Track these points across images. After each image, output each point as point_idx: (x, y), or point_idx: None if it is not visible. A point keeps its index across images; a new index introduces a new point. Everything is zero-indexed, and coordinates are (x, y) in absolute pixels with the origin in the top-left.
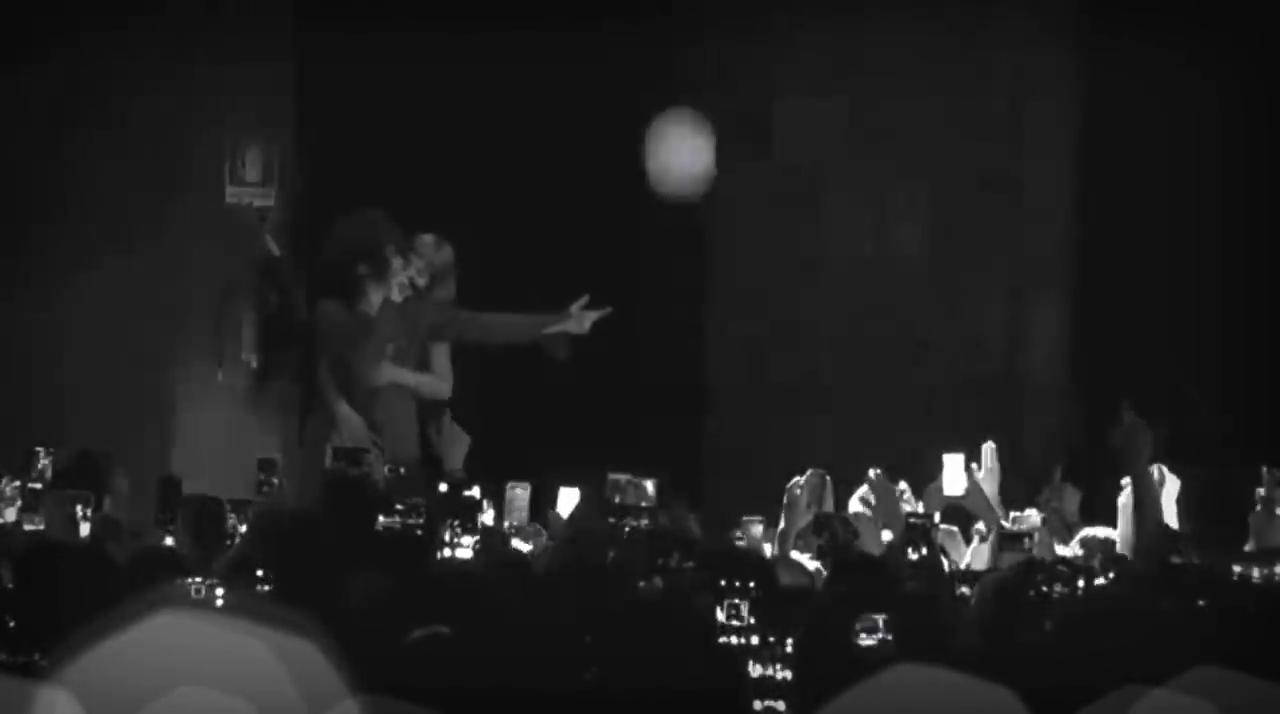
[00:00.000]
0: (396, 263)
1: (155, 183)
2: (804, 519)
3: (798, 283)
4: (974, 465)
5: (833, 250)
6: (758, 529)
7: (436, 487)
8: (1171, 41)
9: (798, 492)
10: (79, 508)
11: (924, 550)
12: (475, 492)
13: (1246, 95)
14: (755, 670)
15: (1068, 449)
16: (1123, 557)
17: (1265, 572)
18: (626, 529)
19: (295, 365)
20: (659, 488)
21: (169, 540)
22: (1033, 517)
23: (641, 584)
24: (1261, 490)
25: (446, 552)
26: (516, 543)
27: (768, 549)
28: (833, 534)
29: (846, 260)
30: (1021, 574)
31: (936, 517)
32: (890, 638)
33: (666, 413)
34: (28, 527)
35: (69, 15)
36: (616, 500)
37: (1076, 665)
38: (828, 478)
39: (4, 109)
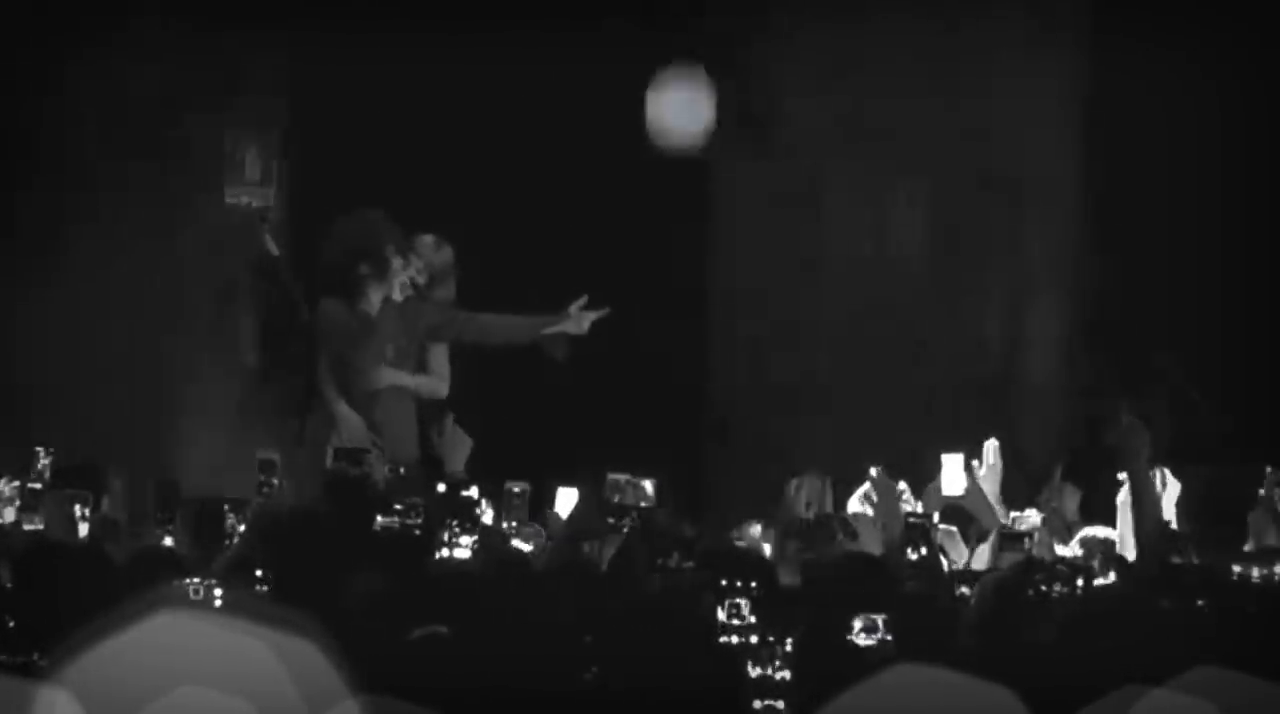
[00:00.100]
0: (397, 263)
1: (155, 183)
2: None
3: (798, 283)
4: (974, 463)
5: (833, 250)
6: (757, 529)
7: (435, 487)
8: (1171, 42)
9: (794, 492)
10: (78, 508)
11: (923, 550)
12: (473, 491)
13: (1247, 95)
14: (755, 670)
15: (1068, 449)
16: (1122, 557)
17: (1265, 572)
18: (626, 529)
19: (295, 365)
20: (658, 488)
21: (168, 540)
22: (1032, 517)
23: (642, 584)
24: (1262, 491)
25: (445, 551)
26: (516, 543)
27: (767, 549)
28: (831, 534)
29: (846, 260)
30: (1020, 574)
31: (935, 517)
32: (890, 638)
33: (666, 413)
34: (27, 526)
35: (69, 15)
36: (616, 500)
37: (1076, 665)
38: (826, 478)
39: (3, 108)
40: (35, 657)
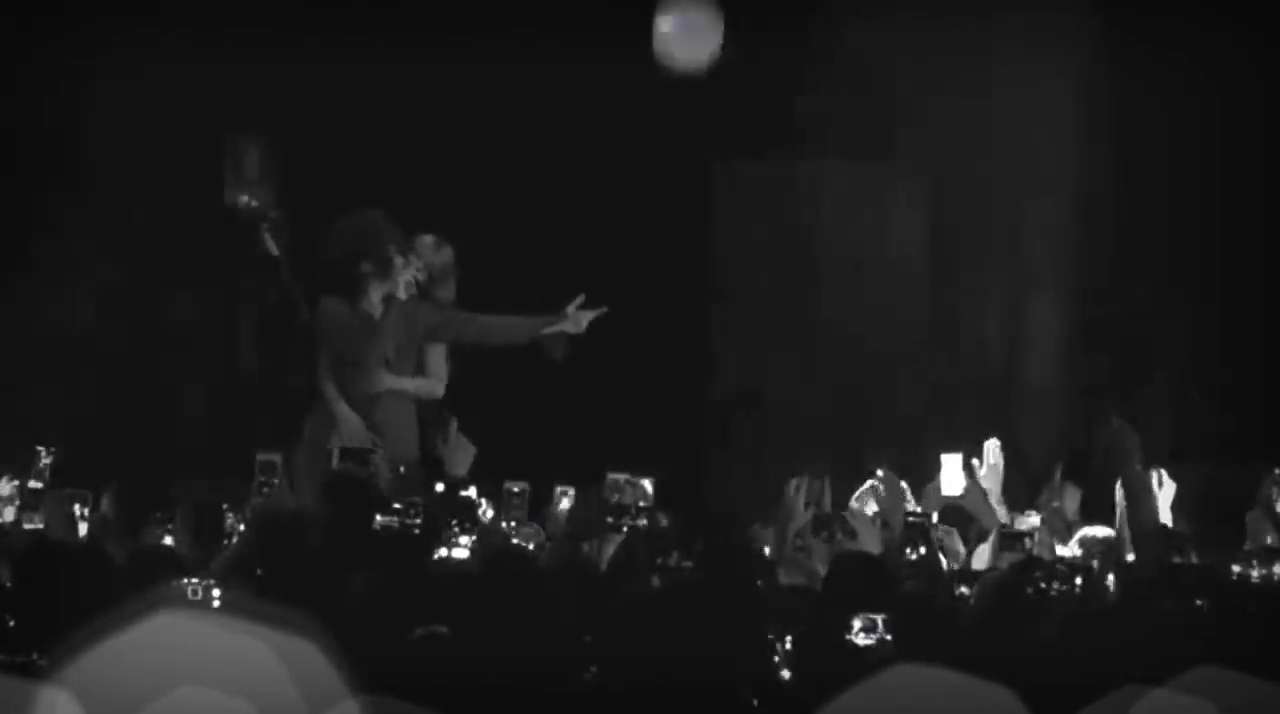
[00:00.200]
0: (400, 261)
1: (155, 183)
2: (802, 519)
3: (798, 283)
4: (975, 462)
5: (833, 250)
6: (756, 529)
7: (434, 487)
8: (1172, 42)
9: (794, 492)
10: (77, 507)
11: (922, 550)
12: (472, 491)
13: (1247, 96)
14: (753, 669)
15: (1068, 449)
16: (1122, 557)
17: (1264, 572)
18: (625, 529)
19: (295, 365)
20: (658, 488)
21: (168, 540)
22: (1032, 518)
23: (641, 584)
24: (1261, 491)
25: (443, 551)
26: (515, 543)
27: (766, 550)
28: (831, 534)
29: (846, 260)
30: (1019, 573)
31: (935, 517)
32: (889, 638)
33: (666, 413)
34: (27, 526)
35: (69, 16)
36: (615, 500)
37: (1076, 665)
38: (826, 478)
39: (3, 109)
40: (35, 656)
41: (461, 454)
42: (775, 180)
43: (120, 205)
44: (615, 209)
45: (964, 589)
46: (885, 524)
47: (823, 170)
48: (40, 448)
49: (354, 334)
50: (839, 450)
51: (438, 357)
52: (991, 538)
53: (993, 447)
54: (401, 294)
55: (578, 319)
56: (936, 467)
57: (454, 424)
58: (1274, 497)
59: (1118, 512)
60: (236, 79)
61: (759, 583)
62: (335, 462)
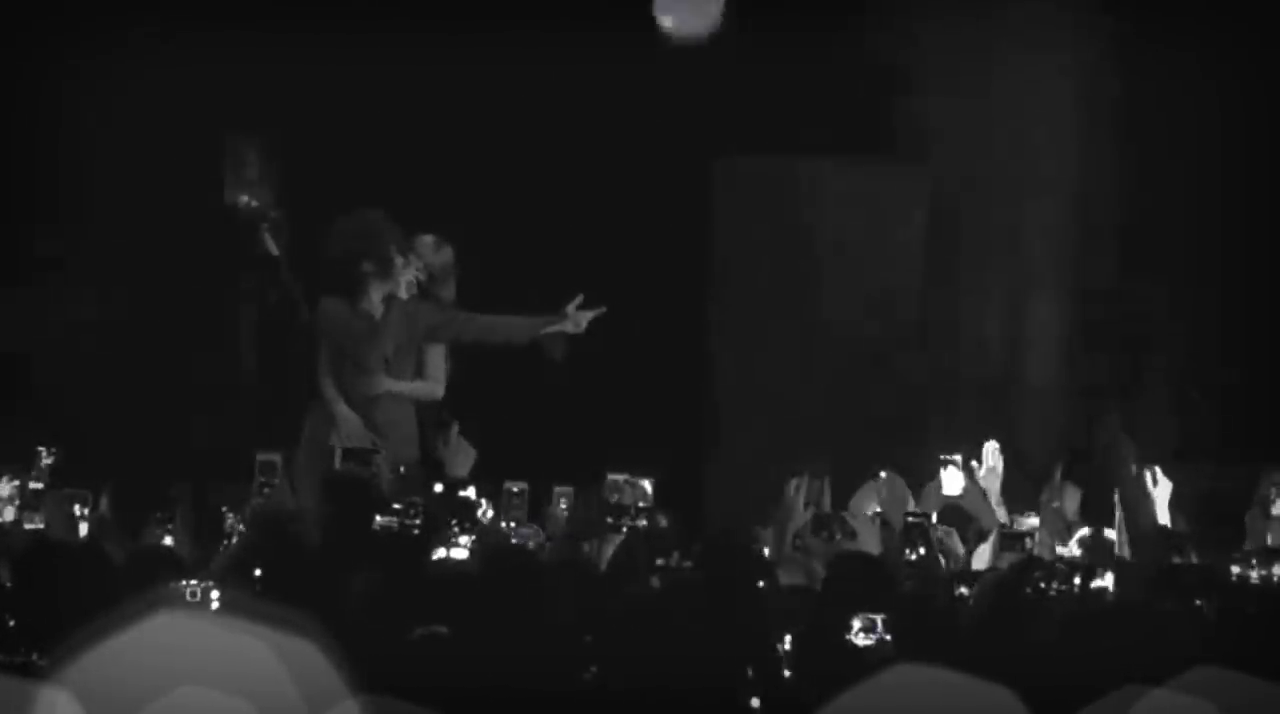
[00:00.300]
0: (399, 261)
1: (155, 183)
2: (801, 519)
3: (798, 283)
4: (974, 464)
5: (832, 250)
6: (755, 529)
7: (432, 487)
8: (1171, 41)
9: (794, 492)
10: (77, 507)
11: (922, 550)
12: (470, 492)
13: (1247, 95)
14: (753, 669)
15: (1068, 449)
16: (1122, 557)
17: (1264, 573)
18: (625, 529)
19: (295, 365)
20: (657, 488)
21: (167, 540)
22: (1032, 519)
23: (641, 584)
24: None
25: (442, 551)
26: (515, 543)
27: (765, 550)
28: (830, 534)
29: (846, 260)
30: (1019, 573)
31: (934, 517)
32: (888, 638)
33: (666, 413)
34: (28, 526)
35: (69, 15)
36: (615, 500)
37: (1076, 665)
38: (826, 478)
39: (3, 110)
40: (35, 657)
41: (462, 457)
42: (775, 180)
43: (120, 205)
44: (615, 208)
45: (963, 589)
46: (884, 524)
47: (823, 170)
48: (40, 448)
49: (355, 334)
50: (839, 450)
51: (436, 359)
52: (992, 538)
53: (991, 449)
54: (403, 294)
55: (577, 319)
56: (936, 467)
57: (455, 427)
58: (1271, 497)
59: (1116, 517)
60: (236, 79)
61: (759, 583)
62: (339, 462)
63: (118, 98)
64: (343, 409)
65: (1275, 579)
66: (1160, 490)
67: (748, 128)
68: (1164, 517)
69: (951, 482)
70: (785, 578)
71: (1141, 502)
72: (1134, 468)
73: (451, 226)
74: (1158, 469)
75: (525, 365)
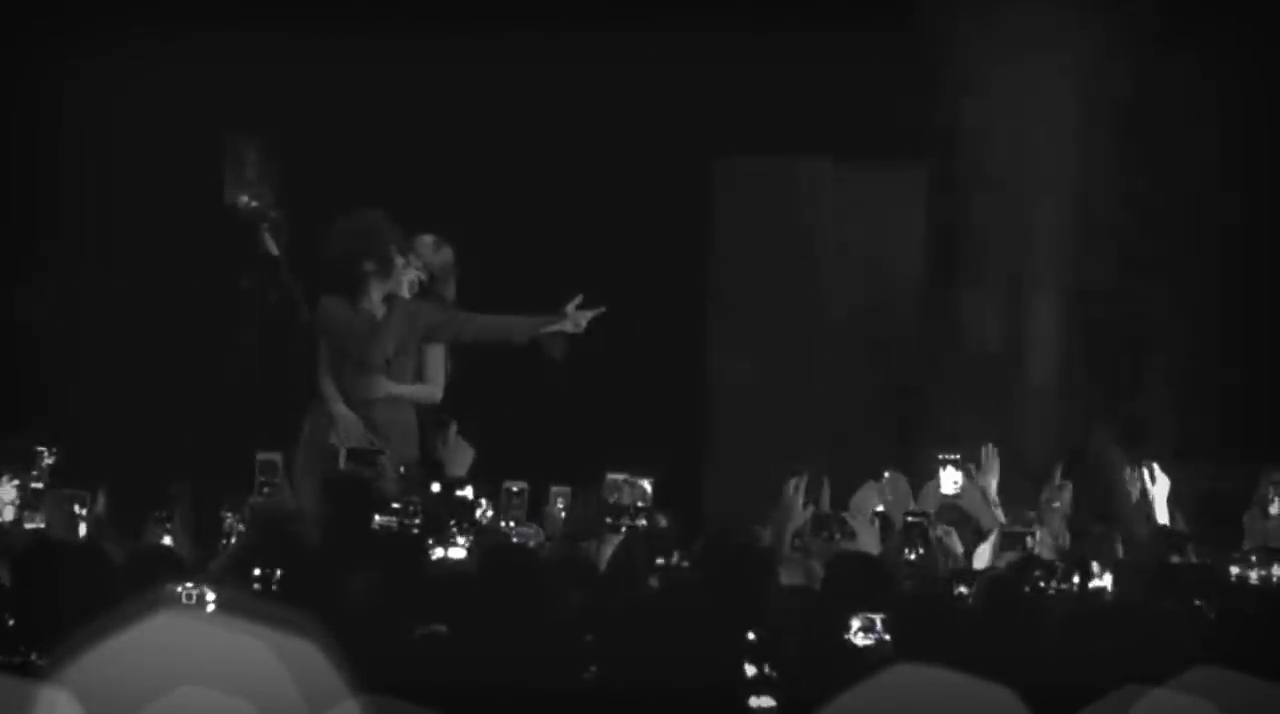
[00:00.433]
0: (400, 261)
1: (155, 183)
2: (801, 519)
3: (798, 283)
4: (972, 466)
5: (833, 250)
6: (755, 529)
7: (430, 486)
8: (1171, 40)
9: (794, 491)
10: (76, 507)
11: (921, 550)
12: (468, 491)
13: (1247, 95)
14: (752, 669)
15: (1068, 449)
16: (1120, 558)
17: (1263, 573)
18: (624, 529)
19: (295, 365)
20: (656, 487)
21: (167, 540)
22: (1032, 520)
23: (641, 584)
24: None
25: (440, 551)
26: (515, 542)
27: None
28: (830, 534)
29: (846, 260)
30: (1017, 571)
31: (933, 516)
32: (887, 637)
33: (665, 413)
34: (28, 525)
35: (69, 15)
36: (614, 500)
37: (1076, 665)
38: (825, 478)
39: (4, 109)
40: (34, 656)
41: (460, 456)
42: (775, 180)
43: (120, 205)
44: (615, 208)
45: (963, 589)
46: (886, 523)
47: (823, 170)
48: (40, 448)
49: (356, 333)
50: (839, 450)
51: (436, 361)
52: (992, 537)
53: (989, 450)
54: (405, 293)
55: (577, 318)
56: (936, 467)
57: (453, 427)
58: (1270, 497)
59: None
60: (236, 79)
61: (759, 583)
62: (343, 463)
63: (118, 98)
64: (341, 409)
65: (1274, 579)
66: (1159, 488)
67: (748, 128)
68: (1163, 513)
69: (949, 481)
70: (785, 578)
71: (1133, 509)
72: (1127, 473)
73: (451, 226)
74: (1156, 466)
75: (525, 365)
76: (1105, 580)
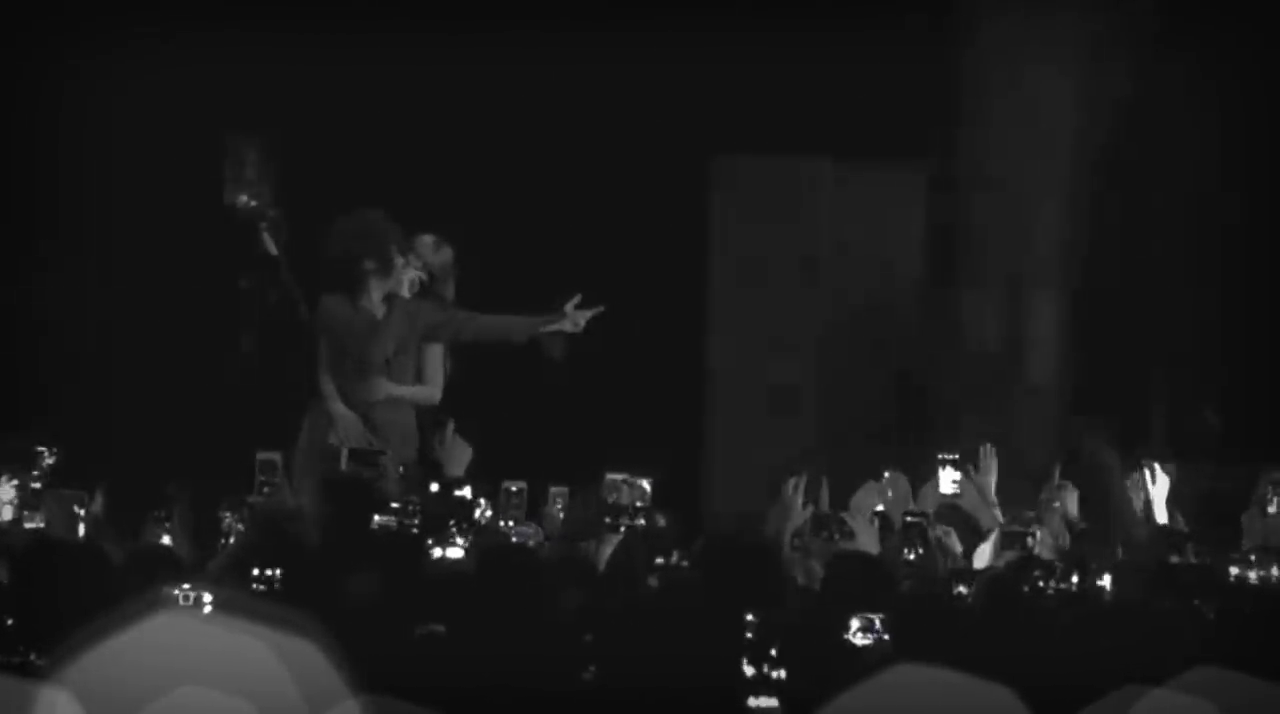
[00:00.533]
0: (400, 261)
1: (155, 182)
2: (801, 519)
3: (798, 283)
4: (970, 467)
5: (833, 250)
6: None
7: (429, 486)
8: (1171, 41)
9: (793, 491)
10: (76, 507)
11: (920, 550)
12: (467, 491)
13: (1247, 95)
14: (751, 669)
15: (1068, 449)
16: (1119, 558)
17: (1263, 573)
18: (623, 529)
19: (295, 365)
20: (656, 487)
21: (166, 540)
22: (1031, 520)
23: (641, 584)
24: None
25: (438, 551)
26: (514, 542)
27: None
28: (830, 533)
29: (846, 260)
30: (1016, 571)
31: (931, 516)
32: (887, 637)
33: (664, 413)
34: (28, 526)
35: (69, 15)
36: (613, 500)
37: (1076, 665)
38: (825, 478)
39: (4, 109)
40: (33, 656)
41: (458, 456)
42: (775, 180)
43: (120, 205)
44: (614, 208)
45: (962, 589)
46: (885, 523)
47: (823, 170)
48: (40, 448)
49: (356, 332)
50: (839, 450)
51: (435, 362)
52: (992, 537)
53: (988, 450)
54: (405, 292)
55: (576, 318)
56: (935, 467)
57: (450, 426)
58: (1269, 496)
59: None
60: (236, 79)
61: (759, 583)
62: (344, 463)
63: (118, 97)
64: (341, 408)
65: (1273, 579)
66: (1158, 487)
67: (747, 127)
68: (1162, 512)
69: (949, 481)
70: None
71: (1132, 511)
72: (1123, 475)
73: (451, 226)
74: (1156, 465)
75: (524, 365)
76: (1105, 580)
